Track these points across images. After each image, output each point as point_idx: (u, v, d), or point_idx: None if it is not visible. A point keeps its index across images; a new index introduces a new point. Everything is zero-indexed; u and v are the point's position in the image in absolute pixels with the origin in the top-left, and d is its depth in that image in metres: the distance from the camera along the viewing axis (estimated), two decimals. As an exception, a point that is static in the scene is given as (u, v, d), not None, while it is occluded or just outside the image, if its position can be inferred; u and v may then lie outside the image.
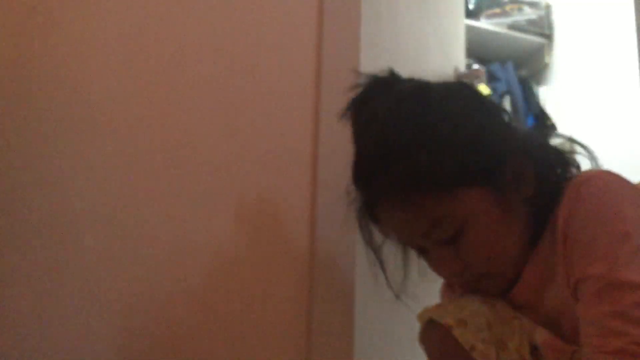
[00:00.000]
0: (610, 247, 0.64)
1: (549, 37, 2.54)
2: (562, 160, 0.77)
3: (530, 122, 2.44)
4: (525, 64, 2.60)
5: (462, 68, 1.88)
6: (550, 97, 2.49)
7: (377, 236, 0.80)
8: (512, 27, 2.47)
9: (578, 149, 0.78)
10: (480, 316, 0.75)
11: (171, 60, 1.03)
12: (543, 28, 2.52)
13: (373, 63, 1.31)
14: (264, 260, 1.04)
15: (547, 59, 2.53)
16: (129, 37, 1.01)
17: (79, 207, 0.93)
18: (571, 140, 0.78)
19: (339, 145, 1.12)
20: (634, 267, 0.62)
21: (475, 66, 2.38)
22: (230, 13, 1.09)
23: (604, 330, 0.62)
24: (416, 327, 0.79)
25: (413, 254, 0.81)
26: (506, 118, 0.79)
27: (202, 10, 1.07)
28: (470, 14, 2.38)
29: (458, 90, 0.78)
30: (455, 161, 0.70)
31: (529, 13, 2.51)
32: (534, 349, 0.74)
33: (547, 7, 2.56)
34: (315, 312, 1.04)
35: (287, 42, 1.13)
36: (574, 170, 0.77)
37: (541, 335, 0.73)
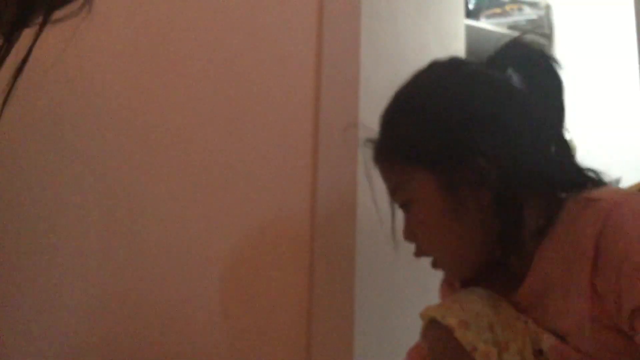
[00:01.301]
0: None
1: (549, 37, 2.53)
2: (573, 180, 0.75)
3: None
4: (525, 64, 2.59)
5: (462, 68, 1.87)
6: (550, 97, 2.48)
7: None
8: (512, 27, 2.47)
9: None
10: (482, 317, 0.75)
11: (170, 61, 1.03)
12: (543, 28, 2.52)
13: (373, 63, 1.32)
14: (264, 260, 1.04)
15: (547, 59, 2.53)
16: (129, 37, 1.01)
17: (79, 207, 0.93)
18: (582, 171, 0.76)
19: (339, 145, 1.12)
20: None
21: (475, 66, 2.37)
22: (231, 14, 1.09)
23: None
24: (415, 327, 0.79)
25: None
26: (507, 117, 0.74)
27: (202, 10, 1.07)
28: (470, 14, 2.37)
29: (456, 80, 0.79)
30: (409, 141, 0.77)
31: (529, 13, 2.50)
32: (538, 353, 0.73)
33: (547, 7, 2.56)
34: (315, 312, 1.04)
35: (287, 42, 1.13)
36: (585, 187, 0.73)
37: (549, 340, 0.73)
